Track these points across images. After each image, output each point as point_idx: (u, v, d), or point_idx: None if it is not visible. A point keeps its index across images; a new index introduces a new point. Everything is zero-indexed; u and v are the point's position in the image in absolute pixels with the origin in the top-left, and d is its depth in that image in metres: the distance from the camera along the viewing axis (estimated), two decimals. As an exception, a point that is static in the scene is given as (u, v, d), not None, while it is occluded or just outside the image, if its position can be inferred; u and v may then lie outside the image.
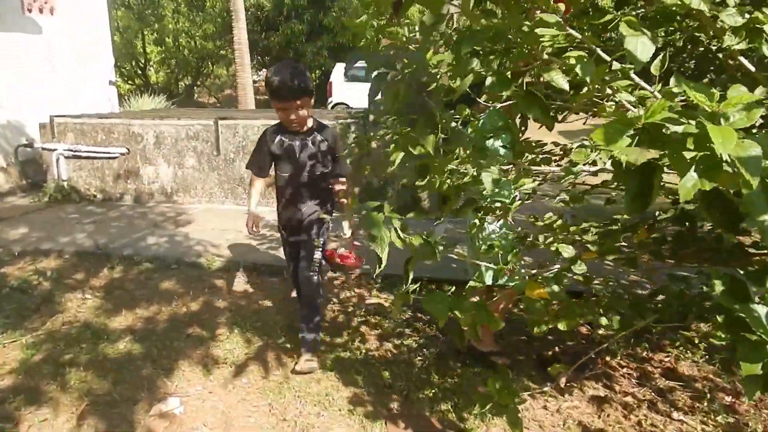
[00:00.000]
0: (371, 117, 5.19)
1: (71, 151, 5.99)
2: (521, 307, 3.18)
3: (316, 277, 2.73)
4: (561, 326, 1.71)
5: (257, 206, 2.86)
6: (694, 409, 2.35)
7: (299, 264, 2.77)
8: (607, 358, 2.75)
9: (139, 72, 21.42)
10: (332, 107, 15.09)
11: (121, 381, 2.56)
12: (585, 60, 1.12)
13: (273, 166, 2.80)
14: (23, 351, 2.84)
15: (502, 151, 2.23)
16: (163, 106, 11.59)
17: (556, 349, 2.85)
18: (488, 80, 1.15)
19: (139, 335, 3.01)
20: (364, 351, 2.85)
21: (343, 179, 2.81)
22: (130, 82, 20.60)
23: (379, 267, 1.50)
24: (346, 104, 15.23)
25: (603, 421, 2.30)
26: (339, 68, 15.87)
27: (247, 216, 2.81)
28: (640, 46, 1.12)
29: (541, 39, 1.10)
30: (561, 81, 1.11)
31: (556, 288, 1.59)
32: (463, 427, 2.25)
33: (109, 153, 5.95)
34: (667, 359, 2.76)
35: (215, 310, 3.37)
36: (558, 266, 1.78)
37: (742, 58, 1.30)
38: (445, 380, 2.59)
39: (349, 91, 15.10)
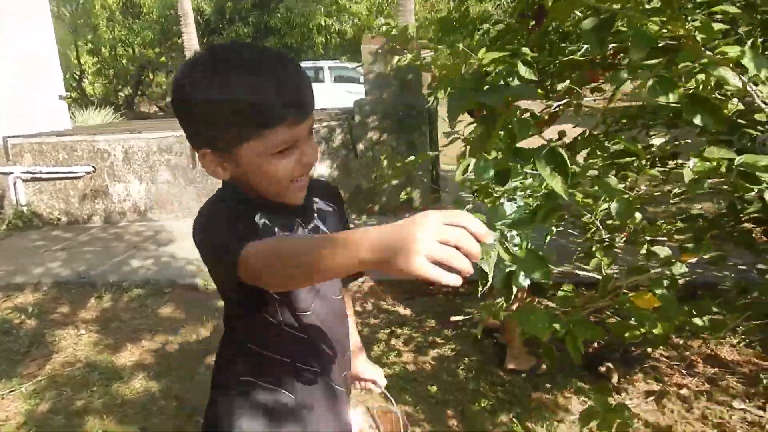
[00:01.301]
0: (357, 118, 5.03)
1: (30, 173, 5.54)
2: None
3: None
4: (656, 331, 1.63)
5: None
6: (751, 396, 2.33)
7: None
8: (648, 350, 2.71)
9: (74, 85, 20.38)
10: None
11: (150, 426, 2.33)
12: (753, 52, 1.01)
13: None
14: (25, 401, 2.55)
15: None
16: (110, 119, 11.01)
17: (596, 344, 2.79)
18: (649, 83, 1.02)
19: (154, 371, 2.76)
20: (401, 365, 2.71)
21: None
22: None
23: (483, 286, 1.38)
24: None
25: (667, 417, 2.25)
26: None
27: None
28: None
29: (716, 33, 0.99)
30: (733, 79, 1.00)
31: (664, 291, 1.51)
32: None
33: (72, 172, 5.54)
34: (704, 345, 2.75)
35: (228, 334, 3.14)
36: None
37: None
38: (496, 389, 2.48)
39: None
